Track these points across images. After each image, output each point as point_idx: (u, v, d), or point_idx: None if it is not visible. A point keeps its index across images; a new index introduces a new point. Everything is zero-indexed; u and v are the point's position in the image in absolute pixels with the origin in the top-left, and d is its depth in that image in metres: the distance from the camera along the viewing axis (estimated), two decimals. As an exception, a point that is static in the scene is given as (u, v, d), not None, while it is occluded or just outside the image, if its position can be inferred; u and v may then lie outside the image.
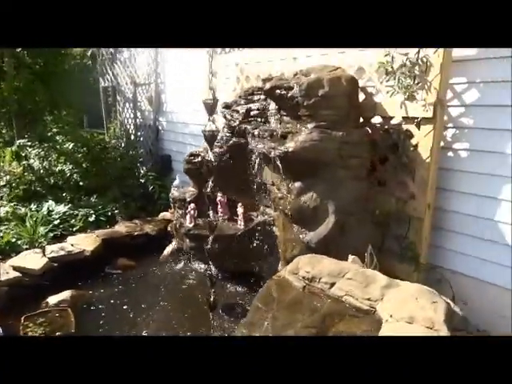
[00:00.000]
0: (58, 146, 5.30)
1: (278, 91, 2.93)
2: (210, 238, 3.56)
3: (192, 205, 3.95)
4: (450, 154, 2.95)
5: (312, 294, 2.30)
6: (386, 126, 3.05)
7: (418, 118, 2.82)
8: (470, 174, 2.85)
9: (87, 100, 7.80)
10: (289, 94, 2.86)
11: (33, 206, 4.91)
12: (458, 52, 2.75)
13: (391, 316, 1.87)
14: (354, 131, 2.84)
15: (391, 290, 2.09)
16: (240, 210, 3.87)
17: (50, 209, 4.92)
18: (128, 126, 6.95)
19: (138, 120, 6.83)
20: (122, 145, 6.41)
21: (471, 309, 2.77)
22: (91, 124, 8.08)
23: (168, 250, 4.52)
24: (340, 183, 2.77)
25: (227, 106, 3.82)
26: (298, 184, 2.92)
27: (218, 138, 3.94)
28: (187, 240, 4.02)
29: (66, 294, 3.49)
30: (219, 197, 4.05)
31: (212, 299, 2.95)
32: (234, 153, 3.71)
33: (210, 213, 4.05)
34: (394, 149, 2.98)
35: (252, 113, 3.55)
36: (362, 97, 3.16)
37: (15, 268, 3.65)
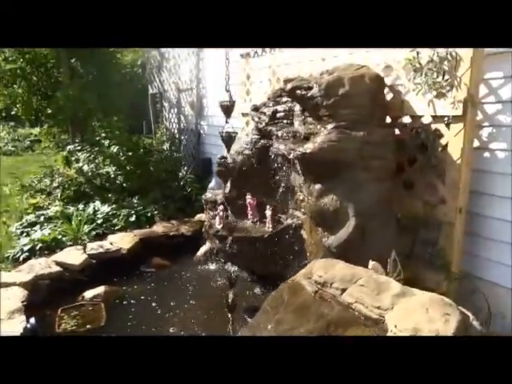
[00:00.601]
0: (104, 150, 5.61)
1: (298, 91, 2.89)
2: (229, 240, 3.56)
3: (221, 206, 3.99)
4: (487, 154, 2.73)
5: (322, 300, 2.22)
6: (415, 126, 2.88)
7: (447, 116, 2.63)
8: (507, 176, 2.61)
9: (138, 106, 8.20)
10: (308, 94, 2.80)
11: (80, 206, 5.23)
12: (492, 44, 2.54)
13: (395, 326, 1.75)
14: (377, 131, 2.71)
15: (403, 300, 1.97)
16: (268, 212, 3.84)
17: (96, 209, 5.22)
18: (172, 131, 7.20)
19: (181, 124, 7.05)
20: (166, 148, 6.64)
21: (510, 323, 2.53)
22: (141, 129, 8.46)
23: (202, 250, 4.61)
24: (361, 185, 2.67)
25: (256, 109, 3.83)
26: (318, 186, 2.84)
27: (247, 140, 3.97)
28: (217, 241, 4.07)
29: (100, 290, 3.68)
30: (248, 199, 4.06)
31: (231, 301, 2.95)
32: (262, 155, 3.71)
33: (228, 215, 4.05)
34: (423, 149, 2.81)
35: (278, 114, 3.53)
36: (389, 95, 3.02)
37: (57, 263, 3.90)
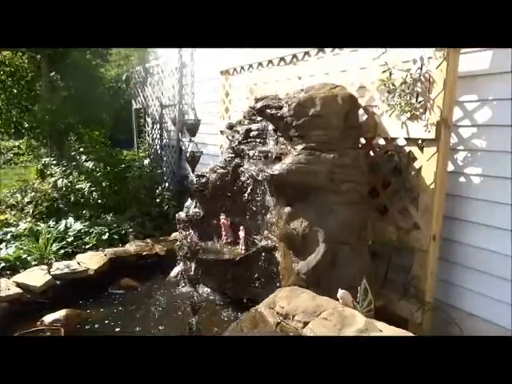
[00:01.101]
0: (80, 165, 5.45)
1: (268, 111, 2.78)
2: (192, 264, 3.41)
3: (191, 227, 3.84)
4: (462, 179, 2.63)
5: (284, 334, 2.06)
6: (389, 148, 2.78)
7: (420, 139, 2.54)
8: (482, 202, 2.51)
9: (122, 121, 8.09)
10: (278, 114, 2.69)
11: (52, 223, 5.04)
12: (466, 67, 2.47)
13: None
14: (349, 153, 2.60)
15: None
16: (241, 233, 3.70)
17: (68, 226, 5.03)
18: (155, 146, 7.08)
19: (163, 140, 6.93)
20: (147, 164, 6.50)
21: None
22: (123, 144, 8.33)
23: (175, 271, 4.42)
24: (331, 209, 2.54)
25: (230, 127, 3.72)
26: (287, 209, 2.72)
27: (221, 158, 3.86)
28: (187, 262, 3.90)
29: (61, 314, 3.46)
30: (222, 219, 3.92)
31: (193, 327, 2.78)
32: (236, 174, 3.59)
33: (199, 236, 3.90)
34: (397, 173, 2.70)
35: (252, 133, 3.42)
36: (364, 117, 2.93)
37: (18, 284, 3.69)
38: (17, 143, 9.49)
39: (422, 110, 2.53)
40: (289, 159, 2.56)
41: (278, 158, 2.86)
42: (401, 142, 2.71)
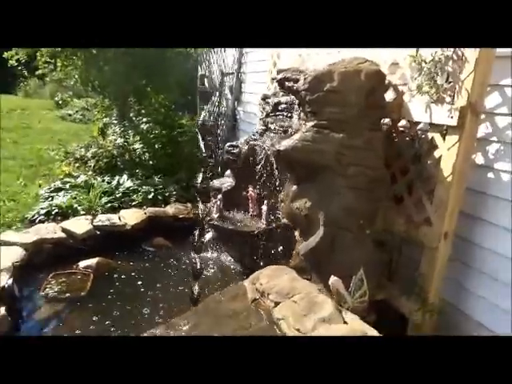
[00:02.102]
0: (137, 126, 5.77)
1: (286, 83, 2.68)
2: (197, 232, 3.48)
3: (219, 196, 3.91)
4: (491, 175, 2.32)
5: (256, 310, 2.07)
6: (413, 132, 2.54)
7: (444, 125, 2.28)
8: (507, 202, 2.21)
9: (188, 86, 8.31)
10: (295, 87, 2.58)
11: (107, 178, 5.45)
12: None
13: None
14: (364, 134, 2.43)
15: (326, 326, 1.75)
16: (264, 207, 3.69)
17: (120, 182, 5.41)
18: (213, 114, 7.21)
19: (222, 108, 7.02)
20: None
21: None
22: (189, 109, 8.58)
23: (208, 236, 4.58)
24: (335, 192, 2.42)
25: (264, 98, 3.66)
26: (294, 187, 2.64)
27: (254, 130, 3.83)
28: (212, 230, 4.02)
29: (93, 261, 3.80)
30: (250, 191, 3.93)
31: (195, 293, 2.88)
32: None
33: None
34: (416, 160, 2.47)
35: (280, 106, 3.34)
36: (392, 96, 2.70)
37: (63, 229, 4.10)
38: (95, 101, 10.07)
39: (450, 93, 2.26)
40: (297, 136, 2.47)
41: (295, 134, 2.77)
42: (424, 126, 2.46)
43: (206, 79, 7.49)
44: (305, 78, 2.49)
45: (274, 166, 3.09)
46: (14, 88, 16.06)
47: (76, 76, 7.66)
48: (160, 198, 5.27)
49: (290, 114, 3.23)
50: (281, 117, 3.26)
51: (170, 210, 4.93)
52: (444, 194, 2.27)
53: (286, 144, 2.47)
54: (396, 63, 2.70)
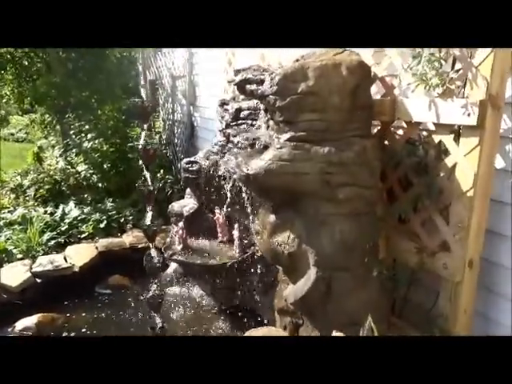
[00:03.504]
0: (79, 145, 5.03)
1: (248, 86, 2.10)
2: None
3: (180, 223, 3.30)
4: (515, 181, 1.85)
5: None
6: (411, 136, 2.03)
7: (456, 125, 1.78)
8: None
9: (136, 94, 7.58)
10: (259, 91, 2.01)
11: (49, 209, 4.69)
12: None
13: None
14: (354, 144, 1.88)
15: None
16: (236, 233, 3.10)
17: (65, 212, 4.67)
18: (168, 122, 6.55)
19: (177, 115, 6.38)
20: (156, 142, 6.00)
21: None
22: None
23: (170, 268, 3.94)
24: (323, 222, 1.87)
25: (222, 104, 3.06)
26: (272, 218, 2.08)
27: (213, 142, 3.24)
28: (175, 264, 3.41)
29: (32, 320, 3.10)
30: (216, 214, 3.33)
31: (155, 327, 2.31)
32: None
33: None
34: (421, 170, 1.96)
35: (242, 113, 2.76)
36: (380, 91, 2.18)
37: (-5, 283, 3.37)
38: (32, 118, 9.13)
39: (459, 83, 1.75)
40: (268, 154, 1.90)
41: (266, 148, 2.20)
42: (428, 127, 1.95)
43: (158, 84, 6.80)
44: (271, 79, 1.91)
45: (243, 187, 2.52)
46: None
47: (8, 92, 6.81)
48: (114, 225, 4.57)
49: (254, 123, 2.66)
50: (244, 126, 2.68)
51: (127, 239, 4.25)
52: (463, 211, 1.77)
53: (256, 167, 1.89)
54: (381, 50, 2.18)
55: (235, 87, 2.27)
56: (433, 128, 1.91)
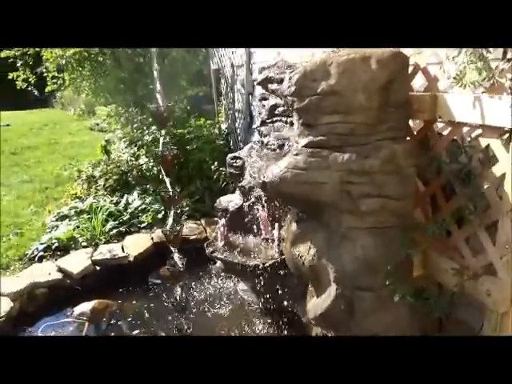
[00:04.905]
0: (140, 138, 5.26)
1: (269, 85, 1.96)
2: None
3: (222, 220, 3.27)
4: None
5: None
6: (454, 137, 1.74)
7: (503, 127, 1.47)
8: None
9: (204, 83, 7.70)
10: (279, 91, 1.86)
11: (115, 199, 4.99)
12: None
13: None
14: (380, 150, 1.66)
15: None
16: (275, 232, 3.00)
17: (130, 201, 4.93)
18: (229, 112, 6.56)
19: (238, 104, 6.35)
20: (216, 133, 6.05)
21: None
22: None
23: (219, 263, 3.98)
24: (345, 237, 1.69)
25: (261, 99, 2.94)
26: (294, 226, 1.94)
27: (255, 138, 3.14)
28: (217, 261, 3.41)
29: (88, 306, 3.33)
30: (259, 210, 3.25)
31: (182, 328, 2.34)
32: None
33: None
34: (465, 179, 1.68)
35: (277, 110, 2.61)
36: (421, 84, 1.90)
37: (59, 269, 3.67)
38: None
39: (510, 76, 1.44)
40: (284, 161, 1.75)
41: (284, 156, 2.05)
42: (473, 129, 1.65)
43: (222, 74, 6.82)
44: (290, 78, 1.75)
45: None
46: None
47: (86, 87, 7.32)
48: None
49: (289, 120, 2.51)
50: (279, 124, 2.54)
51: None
52: (514, 232, 1.47)
53: (271, 175, 1.76)
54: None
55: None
56: (478, 130, 1.61)
